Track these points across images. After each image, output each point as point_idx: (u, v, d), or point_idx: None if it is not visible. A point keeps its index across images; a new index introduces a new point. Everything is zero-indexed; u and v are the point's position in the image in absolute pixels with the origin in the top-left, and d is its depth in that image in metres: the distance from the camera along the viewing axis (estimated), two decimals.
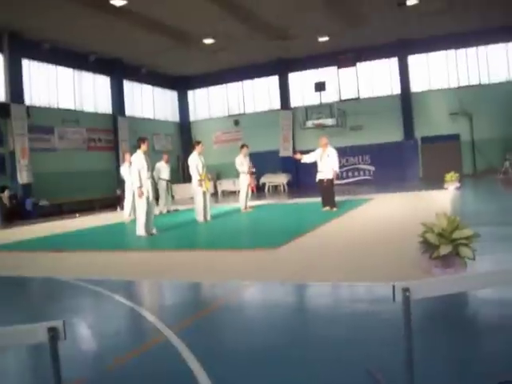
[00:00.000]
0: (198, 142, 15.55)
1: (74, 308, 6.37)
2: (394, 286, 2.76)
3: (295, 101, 32.93)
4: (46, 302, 6.89)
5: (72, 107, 27.04)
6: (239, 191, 17.90)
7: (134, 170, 12.20)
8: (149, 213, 12.33)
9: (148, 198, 12.25)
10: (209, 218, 14.92)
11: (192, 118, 36.44)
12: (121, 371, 4.11)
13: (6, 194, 21.80)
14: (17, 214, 21.60)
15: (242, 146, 17.51)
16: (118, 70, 29.39)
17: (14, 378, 4.24)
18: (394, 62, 30.38)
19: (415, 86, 30.15)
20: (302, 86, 32.79)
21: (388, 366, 3.70)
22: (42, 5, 19.12)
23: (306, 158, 15.92)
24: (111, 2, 19.43)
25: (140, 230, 12.30)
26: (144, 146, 12.44)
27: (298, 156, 16.14)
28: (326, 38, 27.27)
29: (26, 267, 9.44)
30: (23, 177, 22.70)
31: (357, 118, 30.76)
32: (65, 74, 26.73)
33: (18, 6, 19.16)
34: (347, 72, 31.46)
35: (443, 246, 6.00)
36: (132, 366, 4.22)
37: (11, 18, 20.76)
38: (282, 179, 29.82)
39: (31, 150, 23.25)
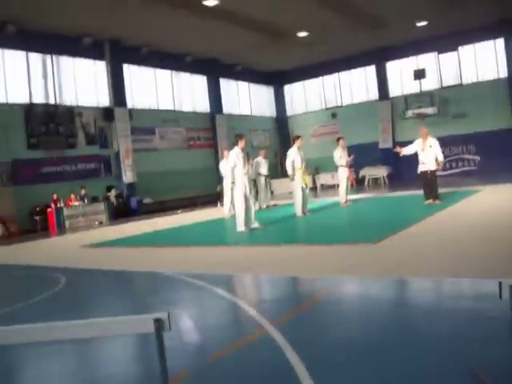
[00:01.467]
0: (298, 137, 15.45)
1: (177, 301, 6.58)
2: (500, 283, 2.66)
3: (394, 90, 32.10)
4: (151, 295, 7.15)
5: (171, 108, 27.80)
6: (338, 185, 17.78)
7: (230, 165, 12.40)
8: (247, 208, 12.43)
9: (245, 194, 12.38)
10: (307, 211, 14.94)
11: (289, 112, 36.44)
12: (223, 363, 4.18)
13: (113, 193, 22.85)
14: (123, 211, 22.54)
15: (339, 139, 17.36)
16: (214, 69, 29.90)
17: (122, 366, 4.43)
18: (499, 42, 28.66)
19: None
20: (401, 74, 31.82)
21: (493, 365, 3.57)
22: (138, 11, 19.84)
23: (406, 151, 15.45)
24: (204, 3, 19.79)
25: (240, 226, 12.44)
26: (241, 143, 12.56)
27: (398, 149, 15.70)
28: (424, 23, 26.28)
29: (131, 262, 9.86)
30: (128, 176, 23.65)
31: (459, 105, 29.46)
32: (163, 75, 27.52)
33: (117, 14, 19.93)
34: (448, 57, 30.15)
35: None
36: (233, 358, 4.28)
37: (111, 27, 21.66)
38: (382, 172, 29.19)
39: (134, 150, 24.21)
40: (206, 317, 5.73)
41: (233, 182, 12.36)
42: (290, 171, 14.69)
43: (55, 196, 20.09)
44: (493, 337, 4.12)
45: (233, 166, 12.33)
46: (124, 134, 23.86)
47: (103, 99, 24.04)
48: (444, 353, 3.91)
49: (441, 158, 14.71)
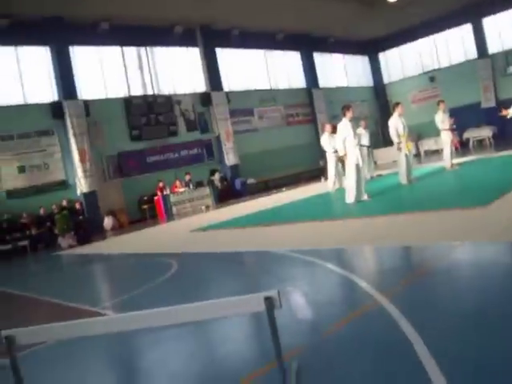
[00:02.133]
0: (398, 104, 15.15)
1: (289, 278, 6.64)
2: None
3: (493, 47, 30.72)
4: (262, 274, 7.29)
5: (267, 87, 27.93)
6: (442, 149, 17.32)
7: (340, 137, 12.28)
8: (359, 179, 12.34)
9: (358, 165, 12.26)
10: (413, 179, 14.65)
11: (386, 80, 35.82)
12: (337, 338, 4.20)
13: (217, 176, 23.30)
14: (228, 193, 22.99)
15: (439, 103, 16.88)
16: (307, 44, 29.75)
17: (238, 345, 4.55)
18: None
19: None
20: (500, 29, 30.36)
21: None
22: None
23: None
24: None
25: (349, 198, 12.38)
26: (349, 113, 12.40)
27: (504, 112, 14.80)
28: None
29: (241, 243, 10.04)
30: (230, 159, 24.05)
31: None
32: (256, 55, 27.67)
33: (205, 1, 20.18)
34: None
35: None
36: (347, 332, 4.28)
37: (200, 12, 21.95)
38: (486, 132, 28.15)
39: (234, 132, 24.59)
40: (318, 292, 5.75)
41: (345, 154, 12.28)
42: (395, 140, 14.44)
43: (161, 184, 20.71)
44: None
45: (346, 135, 12.22)
46: (223, 118, 24.26)
47: (200, 85, 24.49)
48: None
49: None
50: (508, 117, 14.79)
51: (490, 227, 7.14)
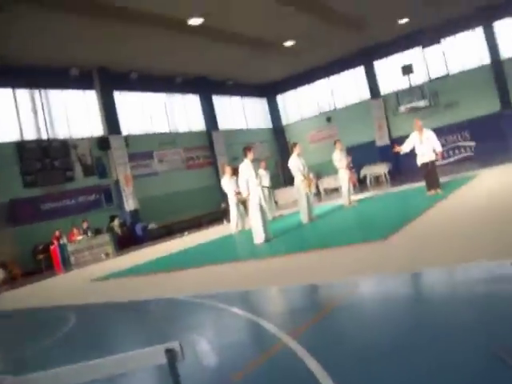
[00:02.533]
0: (295, 144, 15.46)
1: (192, 325, 6.41)
2: None
3: (384, 88, 32.35)
4: (165, 322, 7.01)
5: (167, 130, 27.80)
6: (341, 187, 17.73)
7: (243, 179, 12.28)
8: (264, 219, 12.35)
9: (261, 206, 12.30)
10: (314, 217, 14.83)
11: (284, 121, 36.60)
12: (245, 382, 4.08)
13: (117, 222, 22.70)
14: (129, 239, 22.40)
15: (335, 142, 17.41)
16: (205, 87, 29.99)
17: None
18: (479, 31, 29.24)
19: (506, 53, 28.72)
20: (389, 71, 32.14)
21: None
22: (124, 37, 19.84)
23: (405, 148, 15.39)
24: (188, 23, 19.82)
25: (257, 238, 12.33)
26: (250, 155, 12.51)
27: (397, 149, 15.68)
28: (405, 20, 26.70)
29: (143, 290, 9.69)
30: (130, 204, 23.56)
31: (449, 95, 29.84)
32: (155, 99, 27.56)
33: (102, 43, 19.97)
34: (433, 50, 30.71)
35: None
36: (255, 376, 4.17)
37: (98, 55, 21.66)
38: (382, 169, 29.23)
39: (134, 176, 24.16)
40: (223, 338, 5.56)
41: (248, 195, 12.26)
42: (300, 177, 14.64)
43: (57, 232, 19.79)
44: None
45: (248, 176, 12.23)
46: (122, 162, 23.81)
47: (97, 129, 23.99)
48: (470, 339, 3.86)
49: (439, 148, 14.92)
50: (401, 153, 15.75)
51: (391, 260, 7.30)
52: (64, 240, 19.78)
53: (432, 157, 14.76)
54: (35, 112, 21.84)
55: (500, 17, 28.34)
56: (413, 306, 5.29)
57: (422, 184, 15.40)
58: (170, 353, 2.69)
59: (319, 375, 3.73)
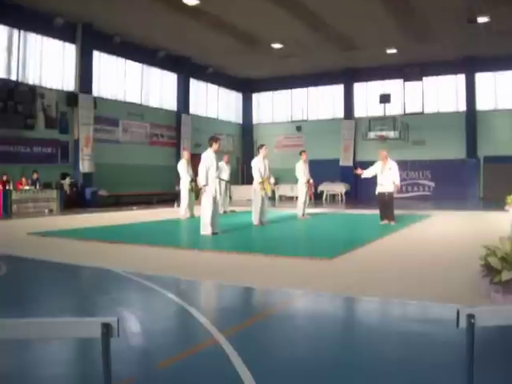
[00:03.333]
0: (263, 146, 15.47)
1: (126, 303, 6.33)
2: (458, 311, 2.60)
3: (359, 111, 32.76)
4: (98, 293, 6.88)
5: (138, 101, 27.47)
6: (297, 197, 17.77)
7: (202, 167, 12.17)
8: (214, 212, 12.31)
9: (215, 198, 12.27)
10: (266, 221, 14.83)
11: (255, 120, 36.57)
12: (170, 372, 4.03)
13: (68, 181, 22.28)
14: (76, 201, 22.00)
15: (301, 152, 17.41)
16: (186, 68, 29.74)
17: (63, 369, 4.19)
18: (460, 78, 29.99)
19: (481, 105, 29.56)
20: (367, 96, 32.66)
21: None
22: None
23: (367, 173, 15.57)
24: (184, 1, 19.59)
25: (204, 229, 12.26)
26: (215, 145, 12.45)
27: (359, 171, 15.83)
28: (393, 51, 27.06)
29: (82, 256, 9.49)
30: (85, 166, 23.15)
31: (420, 132, 30.42)
32: (133, 68, 27.19)
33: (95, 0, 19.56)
34: (413, 86, 31.29)
35: (506, 271, 5.70)
36: (181, 367, 4.13)
37: (85, 10, 21.18)
38: (340, 188, 29.47)
39: (95, 140, 23.74)
40: (155, 323, 5.47)
41: (205, 185, 12.15)
42: (258, 179, 14.63)
43: (5, 177, 19.25)
44: (445, 362, 4.11)
45: (209, 166, 12.14)
46: (86, 122, 23.35)
47: (69, 83, 23.49)
48: (395, 377, 3.88)
49: (398, 181, 15.05)
50: (362, 176, 15.92)
51: (333, 280, 7.36)
52: (10, 186, 19.27)
53: (390, 188, 14.87)
54: (10, 51, 21.19)
55: (482, 69, 29.10)
56: (342, 329, 5.39)
57: (376, 212, 15.53)
58: (106, 327, 2.61)
59: (244, 376, 3.76)
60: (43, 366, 4.24)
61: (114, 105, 25.74)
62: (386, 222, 14.78)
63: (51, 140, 22.53)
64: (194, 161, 16.28)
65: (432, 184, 30.14)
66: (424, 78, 30.75)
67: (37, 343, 4.48)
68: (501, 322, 2.74)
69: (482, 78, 29.47)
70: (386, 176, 14.92)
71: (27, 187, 19.86)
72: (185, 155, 17.28)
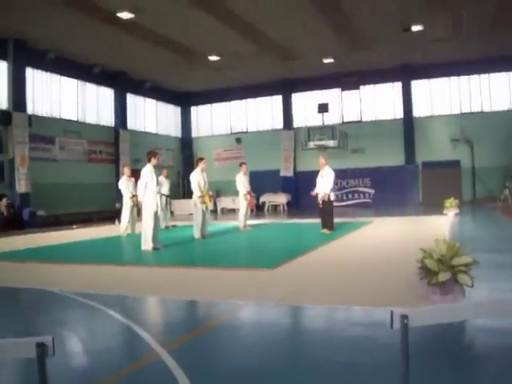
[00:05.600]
0: (202, 159, 15.50)
1: (65, 322, 6.23)
2: (392, 312, 2.70)
3: (298, 121, 33.08)
4: (37, 314, 6.76)
5: (74, 118, 27.13)
6: (239, 209, 17.87)
7: (142, 182, 12.17)
8: (156, 227, 12.31)
9: (156, 212, 12.26)
10: (207, 234, 14.86)
11: (194, 134, 36.53)
12: None
13: (4, 202, 21.73)
14: (14, 223, 21.48)
15: (241, 164, 17.57)
16: (122, 83, 29.52)
17: None
18: (397, 86, 30.65)
19: (418, 111, 30.33)
20: (305, 106, 32.98)
21: None
22: (47, 14, 19.20)
23: (316, 189, 15.18)
24: (118, 15, 19.47)
25: (145, 245, 12.23)
26: (154, 160, 12.46)
27: (314, 193, 15.30)
28: (330, 60, 27.41)
29: (19, 278, 9.32)
30: (21, 186, 22.63)
31: (358, 140, 30.88)
32: (68, 84, 26.84)
33: (23, 14, 19.21)
34: (350, 94, 31.72)
35: (442, 272, 5.88)
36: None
37: (17, 26, 20.77)
38: (281, 199, 29.74)
39: (31, 159, 23.22)
40: (95, 340, 5.43)
41: (141, 201, 12.21)
42: (197, 193, 14.65)
43: None
44: (385, 363, 4.26)
45: (148, 181, 12.12)
46: (21, 141, 22.83)
47: (1, 102, 22.97)
48: (337, 380, 4.00)
49: (327, 189, 14.74)
50: (319, 197, 15.17)
51: (275, 289, 7.45)
52: None
53: (325, 196, 14.75)
54: None
55: (418, 77, 29.89)
56: (287, 337, 5.44)
57: (318, 221, 15.54)
58: (40, 347, 2.60)
59: None
60: None
61: (49, 122, 25.30)
62: (325, 230, 14.79)
63: None
64: (135, 176, 16.18)
65: (372, 191, 30.61)
66: (361, 87, 31.23)
67: None
68: (433, 321, 2.85)
69: (418, 85, 30.28)
70: (320, 182, 14.97)
71: None
72: (126, 171, 17.17)
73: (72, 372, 4.46)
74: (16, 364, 4.58)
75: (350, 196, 30.82)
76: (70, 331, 5.65)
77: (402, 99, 30.41)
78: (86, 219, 24.09)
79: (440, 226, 15.49)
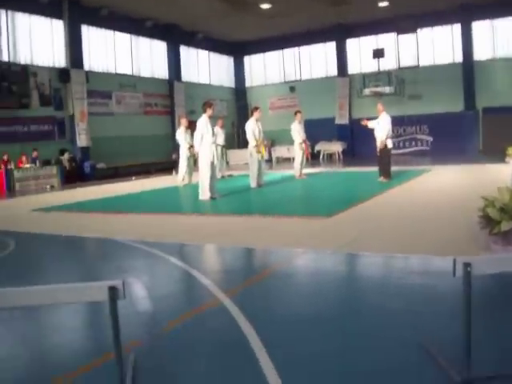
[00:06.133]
0: (257, 108, 15.53)
1: (129, 268, 6.54)
2: (454, 260, 2.71)
3: (352, 68, 32.19)
4: (103, 261, 7.10)
5: (129, 72, 27.32)
6: (294, 158, 17.88)
7: (198, 134, 12.33)
8: (212, 177, 12.52)
9: (212, 163, 12.43)
10: (263, 184, 14.99)
11: (248, 83, 36.21)
12: (175, 333, 4.21)
13: (66, 156, 22.39)
14: (76, 176, 22.12)
15: (296, 113, 17.44)
16: (175, 36, 29.45)
17: (74, 334, 4.39)
18: (456, 28, 29.07)
19: (478, 54, 28.77)
20: (360, 52, 31.96)
21: (443, 340, 3.65)
22: None
23: (371, 124, 15.07)
24: None
25: (203, 194, 12.48)
26: (210, 111, 12.53)
27: (364, 122, 15.42)
28: (385, 3, 26.48)
29: (84, 227, 9.69)
30: (82, 140, 23.21)
31: (416, 86, 29.83)
32: (122, 39, 26.96)
33: None
34: (407, 39, 30.40)
35: (505, 221, 5.59)
36: (186, 328, 4.31)
37: None
38: (337, 147, 29.39)
39: (90, 114, 23.71)
40: (160, 286, 5.70)
41: (197, 151, 12.44)
42: (253, 143, 14.74)
43: (5, 157, 19.41)
44: (444, 312, 4.27)
45: (204, 132, 12.28)
46: (80, 97, 23.34)
47: (59, 60, 23.39)
48: (395, 327, 4.03)
49: (383, 136, 14.48)
50: (369, 126, 15.27)
51: (332, 237, 7.53)
52: (11, 165, 19.44)
53: (382, 143, 14.50)
54: None
55: (479, 18, 28.25)
56: (345, 284, 5.52)
57: (375, 169, 15.34)
58: (112, 290, 2.79)
59: (248, 333, 3.94)
60: (54, 330, 4.46)
61: (105, 77, 25.64)
62: (381, 178, 14.63)
63: (47, 117, 22.58)
64: (191, 127, 16.33)
65: (430, 138, 29.70)
66: (418, 30, 29.87)
67: (47, 309, 4.71)
68: (497, 269, 2.87)
69: (479, 27, 28.71)
70: (377, 130, 14.72)
71: (28, 165, 20.05)
72: (183, 122, 17.34)
73: (138, 315, 4.70)
74: (84, 309, 4.88)
75: (408, 144, 30.10)
76: (135, 277, 5.92)
77: (461, 42, 28.88)
78: (144, 171, 24.51)
79: (502, 174, 15.00)
